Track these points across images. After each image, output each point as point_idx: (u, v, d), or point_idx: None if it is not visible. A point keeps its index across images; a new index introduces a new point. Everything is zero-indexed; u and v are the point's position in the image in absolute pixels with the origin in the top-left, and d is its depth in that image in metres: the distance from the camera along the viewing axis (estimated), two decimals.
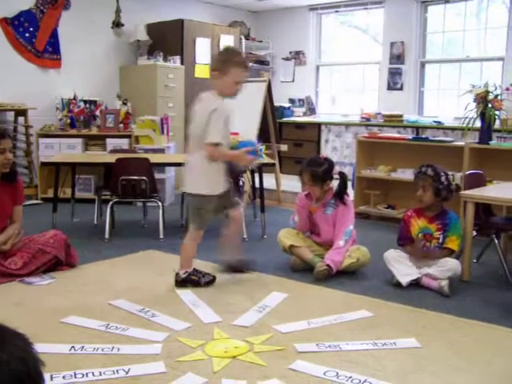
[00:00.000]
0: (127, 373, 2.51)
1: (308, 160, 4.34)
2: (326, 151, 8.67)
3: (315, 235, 4.34)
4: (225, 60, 3.55)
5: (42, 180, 6.89)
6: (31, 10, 7.02)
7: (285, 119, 9.13)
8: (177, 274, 3.75)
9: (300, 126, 9.03)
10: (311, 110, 9.42)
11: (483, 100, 5.34)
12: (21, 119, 6.84)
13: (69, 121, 7.01)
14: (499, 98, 5.38)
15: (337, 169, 4.31)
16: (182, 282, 3.72)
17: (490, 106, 5.33)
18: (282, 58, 9.76)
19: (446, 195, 3.92)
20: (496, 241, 4.24)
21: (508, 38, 7.40)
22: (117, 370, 2.52)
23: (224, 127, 3.53)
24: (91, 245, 4.80)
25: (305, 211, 4.28)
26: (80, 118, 7.07)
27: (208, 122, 3.46)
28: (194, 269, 3.79)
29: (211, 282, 3.78)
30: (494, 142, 5.43)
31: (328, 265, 3.97)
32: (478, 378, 2.55)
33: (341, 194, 4.22)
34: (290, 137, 8.90)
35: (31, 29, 7.04)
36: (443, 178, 3.91)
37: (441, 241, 3.95)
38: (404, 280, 3.80)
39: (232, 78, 3.52)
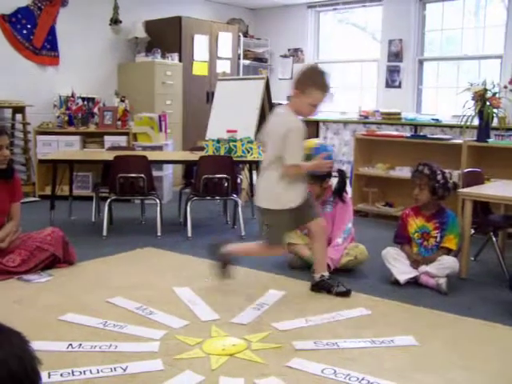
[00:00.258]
0: (125, 370, 2.50)
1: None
2: None
3: None
4: (307, 80, 3.38)
5: (40, 177, 6.88)
6: (29, 7, 7.00)
7: None
8: (312, 278, 3.69)
9: None
10: None
11: (481, 98, 5.34)
12: (18, 116, 6.82)
13: (67, 118, 7.01)
14: (497, 95, 5.37)
15: (336, 166, 4.30)
16: (314, 286, 3.66)
17: (488, 103, 5.33)
18: (281, 56, 9.75)
19: (442, 194, 3.92)
20: (494, 239, 4.25)
21: (506, 37, 7.40)
22: (114, 368, 2.52)
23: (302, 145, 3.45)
24: (89, 242, 4.79)
25: None
26: (78, 116, 7.07)
27: (287, 143, 3.33)
28: (330, 277, 3.65)
29: (345, 293, 3.57)
30: (492, 140, 5.43)
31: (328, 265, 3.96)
32: (476, 376, 2.55)
33: (340, 192, 4.22)
34: None
35: (29, 26, 7.02)
36: (439, 177, 3.91)
37: (438, 240, 3.95)
38: (402, 278, 3.81)
39: (310, 100, 3.37)
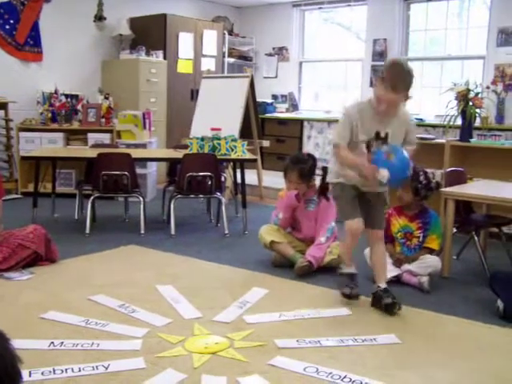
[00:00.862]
0: (107, 368, 2.49)
1: (292, 158, 4.34)
2: (308, 147, 8.68)
3: (296, 231, 4.35)
4: (382, 70, 3.26)
5: (23, 174, 6.82)
6: (11, 2, 6.93)
7: (267, 115, 9.13)
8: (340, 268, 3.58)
9: (282, 122, 9.03)
10: (294, 106, 9.42)
11: (464, 98, 5.37)
12: (1, 113, 6.76)
13: (50, 115, 6.95)
14: (480, 96, 5.42)
15: (319, 164, 4.31)
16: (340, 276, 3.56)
17: (470, 104, 5.37)
18: (265, 54, 9.75)
19: (425, 194, 3.96)
20: (476, 238, 4.28)
21: (488, 38, 7.46)
22: (96, 366, 2.51)
23: (355, 132, 3.27)
24: (72, 240, 4.76)
25: (291, 210, 4.28)
26: (61, 112, 7.01)
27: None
28: (351, 274, 3.49)
29: (350, 295, 3.39)
30: (475, 140, 5.47)
31: (309, 261, 3.98)
32: (457, 374, 2.57)
33: (324, 190, 4.23)
34: (272, 133, 8.90)
35: (11, 21, 6.96)
36: (422, 177, 3.94)
37: (421, 240, 3.98)
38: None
39: (377, 92, 3.24)
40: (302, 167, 4.20)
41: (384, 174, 3.10)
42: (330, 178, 3.51)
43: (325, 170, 4.28)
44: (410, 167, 3.19)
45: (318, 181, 4.30)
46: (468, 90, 5.39)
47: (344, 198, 3.40)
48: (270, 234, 4.24)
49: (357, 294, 3.40)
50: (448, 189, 4.15)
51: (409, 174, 3.24)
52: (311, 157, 4.31)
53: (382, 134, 3.22)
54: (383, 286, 3.42)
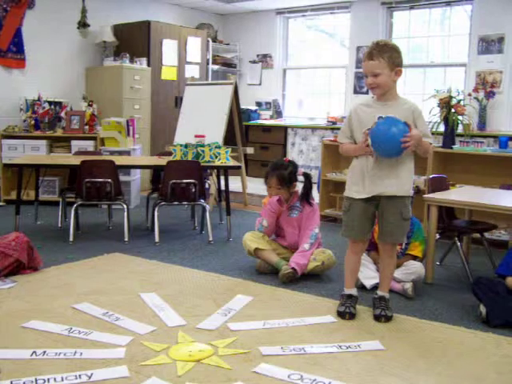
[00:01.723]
0: (90, 377, 2.47)
1: (272, 164, 4.35)
2: (292, 154, 8.72)
3: (281, 238, 4.35)
4: None
5: (5, 182, 6.77)
6: None
7: (251, 122, 9.15)
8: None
9: (267, 129, 9.06)
10: (278, 113, 9.45)
11: (446, 105, 5.42)
12: None
13: (33, 122, 6.91)
14: (462, 103, 5.47)
15: (301, 170, 4.32)
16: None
17: (453, 110, 5.42)
18: (249, 61, 9.78)
19: None
20: (458, 243, 4.31)
21: (470, 45, 7.54)
22: (79, 375, 2.48)
23: (353, 128, 3.27)
24: (55, 248, 4.73)
25: (275, 216, 4.28)
26: (44, 120, 6.97)
27: None
28: (348, 295, 3.42)
29: (341, 313, 3.33)
30: (457, 147, 5.51)
31: (293, 268, 3.98)
32: (441, 379, 2.58)
33: (307, 195, 4.24)
34: (256, 140, 8.93)
35: None
36: None
37: (404, 247, 4.00)
38: (368, 283, 3.84)
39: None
40: (281, 173, 4.22)
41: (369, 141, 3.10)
42: (345, 191, 3.42)
43: (307, 176, 4.30)
44: (399, 132, 3.03)
45: (300, 187, 4.30)
46: (450, 97, 5.44)
47: (350, 216, 3.34)
48: (254, 241, 4.23)
49: (351, 313, 3.32)
50: (431, 195, 4.17)
51: (398, 139, 3.02)
52: (292, 163, 4.32)
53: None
54: (380, 294, 3.42)
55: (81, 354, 2.71)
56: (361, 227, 3.33)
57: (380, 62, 3.17)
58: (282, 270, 3.99)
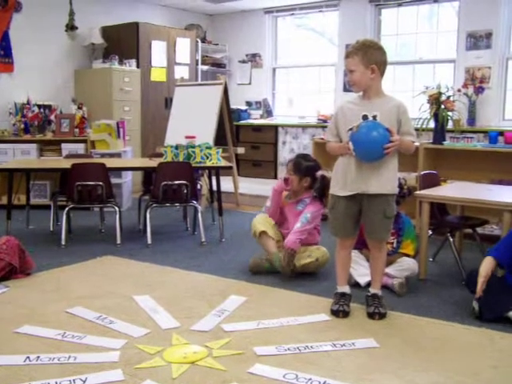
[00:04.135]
0: (84, 382, 2.46)
1: (300, 153, 4.54)
2: (283, 153, 8.72)
3: (283, 228, 4.36)
4: None
5: None
6: None
7: (242, 122, 9.14)
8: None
9: (257, 128, 9.05)
10: (268, 113, 9.44)
11: (436, 101, 5.44)
12: None
13: (22, 126, 6.88)
14: (451, 99, 5.48)
15: (320, 173, 4.30)
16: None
17: (442, 107, 5.43)
18: (239, 61, 9.77)
19: (397, 200, 3.96)
20: (451, 239, 4.32)
21: (458, 41, 7.56)
22: (73, 380, 2.47)
23: (339, 126, 3.28)
24: (47, 252, 4.71)
25: (279, 196, 4.31)
26: (34, 123, 6.95)
27: None
28: (341, 294, 3.43)
29: (335, 312, 3.34)
30: (448, 143, 5.53)
31: (289, 248, 4.02)
32: (436, 376, 2.58)
33: (320, 196, 4.24)
34: (247, 139, 8.91)
35: None
36: None
37: (395, 245, 4.00)
38: (362, 280, 3.84)
39: None
40: (300, 161, 4.30)
41: (351, 145, 3.14)
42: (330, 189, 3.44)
43: (323, 178, 4.24)
44: (380, 138, 3.08)
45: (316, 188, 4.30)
46: (440, 93, 5.46)
47: (335, 213, 3.36)
48: (263, 225, 4.27)
49: (344, 311, 3.33)
50: (422, 191, 4.18)
51: (379, 145, 3.09)
52: (316, 162, 4.40)
53: (370, 117, 3.19)
54: (372, 291, 3.43)
55: (75, 358, 2.70)
56: (345, 224, 3.35)
57: (354, 59, 3.22)
58: (279, 260, 4.06)
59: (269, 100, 9.50)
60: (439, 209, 4.34)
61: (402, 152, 3.30)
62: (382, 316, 3.30)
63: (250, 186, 7.72)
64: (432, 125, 5.59)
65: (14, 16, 7.19)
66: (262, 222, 4.31)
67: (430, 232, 4.25)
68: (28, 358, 2.69)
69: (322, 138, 6.22)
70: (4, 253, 3.85)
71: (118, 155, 6.68)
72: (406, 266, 3.88)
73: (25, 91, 7.07)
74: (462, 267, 4.19)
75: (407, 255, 3.99)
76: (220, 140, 6.60)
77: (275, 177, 8.60)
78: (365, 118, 3.19)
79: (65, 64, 7.84)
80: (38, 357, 2.70)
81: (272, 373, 2.57)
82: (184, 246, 5.04)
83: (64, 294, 3.68)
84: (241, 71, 9.76)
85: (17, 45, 7.19)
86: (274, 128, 8.90)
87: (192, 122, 6.29)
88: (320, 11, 8.93)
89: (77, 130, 6.93)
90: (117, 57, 7.73)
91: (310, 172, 4.27)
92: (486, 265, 3.37)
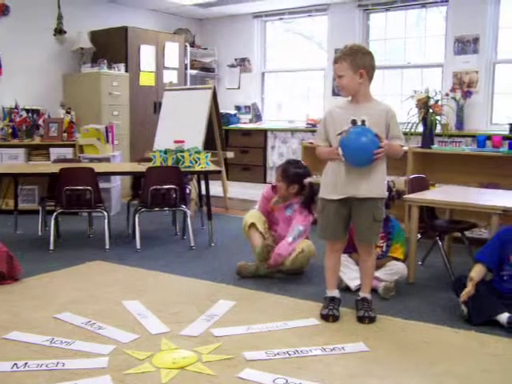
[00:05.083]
0: None
1: (290, 159, 4.54)
2: (272, 158, 8.72)
3: (273, 230, 4.39)
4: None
5: None
6: None
7: (231, 126, 9.14)
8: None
9: (246, 132, 9.05)
10: (257, 117, 9.45)
11: (424, 105, 5.46)
12: None
13: (10, 130, 6.84)
14: (439, 103, 5.51)
15: (308, 180, 4.30)
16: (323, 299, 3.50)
17: (431, 111, 5.46)
18: (228, 65, 9.77)
19: (386, 203, 3.97)
20: (440, 243, 4.34)
21: (446, 46, 7.60)
22: None
23: (328, 130, 3.30)
24: (36, 257, 4.68)
25: (267, 203, 4.36)
26: (22, 128, 6.91)
27: None
28: (330, 298, 3.43)
29: (325, 316, 3.33)
30: (436, 147, 5.55)
31: (279, 254, 4.09)
32: (425, 379, 2.59)
33: (307, 204, 4.25)
34: (236, 144, 8.91)
35: None
36: None
37: (384, 249, 4.00)
38: (352, 284, 3.84)
39: None
40: (288, 167, 4.30)
41: (340, 151, 3.16)
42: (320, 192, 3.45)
43: (311, 185, 4.26)
44: (369, 143, 3.11)
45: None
46: (428, 98, 5.48)
47: (324, 217, 3.37)
48: (254, 218, 4.31)
49: (334, 315, 3.32)
50: (411, 195, 4.19)
51: (368, 151, 3.11)
52: (306, 169, 4.36)
53: (359, 122, 3.20)
54: (362, 295, 3.43)
55: (63, 364, 2.68)
56: (334, 228, 3.36)
57: (342, 64, 3.23)
58: (260, 252, 4.17)
59: (258, 104, 9.51)
60: (428, 212, 4.35)
61: (391, 156, 3.32)
62: (372, 320, 3.30)
63: (240, 190, 7.72)
64: (420, 129, 5.61)
65: (2, 20, 7.16)
66: (254, 215, 4.36)
67: (419, 236, 4.26)
68: (15, 364, 2.66)
69: (311, 143, 6.25)
70: None
71: (107, 160, 6.66)
72: (395, 269, 3.89)
73: (13, 95, 7.03)
74: (450, 271, 4.21)
75: (397, 259, 4.00)
76: (209, 144, 6.59)
77: (264, 181, 8.60)
78: (354, 122, 3.20)
79: (53, 68, 7.81)
80: (26, 363, 2.67)
81: (262, 377, 2.56)
82: (173, 250, 5.02)
83: (52, 299, 3.65)
84: (230, 75, 9.76)
85: (4, 49, 7.15)
86: (263, 132, 8.91)
87: (181, 127, 6.27)
88: (309, 16, 8.95)
89: (65, 134, 6.90)
90: (105, 61, 7.71)
91: (297, 179, 4.27)
92: (478, 271, 3.40)
